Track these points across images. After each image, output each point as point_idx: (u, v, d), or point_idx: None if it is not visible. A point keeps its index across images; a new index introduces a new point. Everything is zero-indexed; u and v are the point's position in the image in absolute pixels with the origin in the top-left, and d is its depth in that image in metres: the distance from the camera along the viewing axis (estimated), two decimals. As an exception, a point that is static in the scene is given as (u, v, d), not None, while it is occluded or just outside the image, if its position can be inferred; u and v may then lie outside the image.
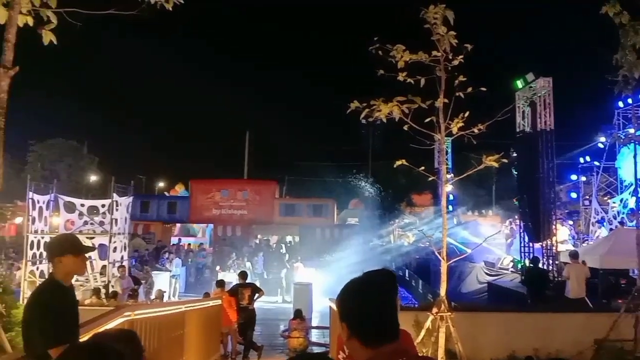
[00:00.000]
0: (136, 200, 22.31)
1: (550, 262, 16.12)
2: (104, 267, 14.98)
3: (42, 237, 14.25)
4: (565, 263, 14.04)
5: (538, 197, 16.45)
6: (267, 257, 26.90)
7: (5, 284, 7.70)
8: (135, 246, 24.79)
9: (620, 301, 10.86)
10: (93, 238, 14.53)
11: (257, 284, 14.26)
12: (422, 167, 7.74)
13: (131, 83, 75.63)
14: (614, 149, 23.68)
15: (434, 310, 7.15)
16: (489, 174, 40.90)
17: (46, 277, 4.36)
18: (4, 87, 5.63)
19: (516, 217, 22.35)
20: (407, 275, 24.69)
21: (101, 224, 15.39)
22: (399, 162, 7.47)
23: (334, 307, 8.71)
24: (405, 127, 7.08)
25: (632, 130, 15.39)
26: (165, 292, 15.92)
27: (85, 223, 15.64)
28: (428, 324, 7.25)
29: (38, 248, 14.11)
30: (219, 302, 10.96)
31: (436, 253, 7.34)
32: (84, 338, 3.59)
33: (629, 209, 19.86)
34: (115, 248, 15.44)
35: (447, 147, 9.30)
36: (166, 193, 46.01)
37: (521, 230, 18.06)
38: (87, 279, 14.57)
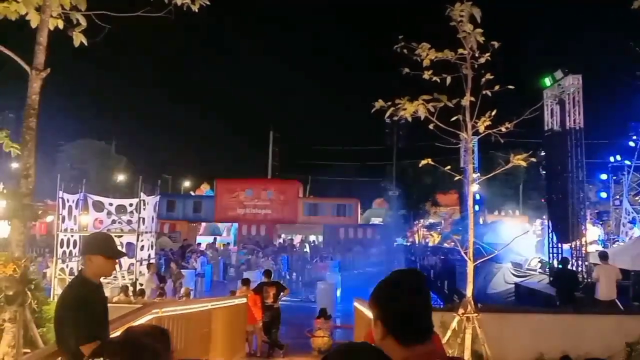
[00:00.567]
0: (162, 200, 22.62)
1: (580, 263, 15.81)
2: (131, 265, 15.22)
3: (72, 236, 14.55)
4: (594, 264, 13.76)
5: (567, 197, 16.15)
6: (292, 257, 26.96)
7: (37, 281, 7.88)
8: (161, 245, 25.12)
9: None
10: (121, 236, 14.76)
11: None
12: (448, 167, 7.66)
13: (157, 83, 76.66)
14: (645, 148, 23.11)
15: (460, 311, 7.07)
16: (516, 174, 40.33)
17: (75, 274, 4.44)
18: (36, 89, 5.77)
19: (544, 217, 21.99)
20: (432, 275, 24.50)
21: (129, 222, 15.61)
22: (424, 162, 7.40)
23: (359, 307, 8.69)
24: (431, 126, 7.01)
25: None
26: (192, 289, 16.11)
27: (114, 222, 15.89)
28: (454, 325, 7.17)
29: (68, 246, 14.41)
30: (244, 300, 11.03)
31: (462, 253, 7.26)
32: (113, 335, 3.65)
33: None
34: (142, 246, 15.67)
35: (473, 146, 9.19)
36: (192, 192, 46.55)
37: (550, 231, 17.75)
38: (115, 277, 14.81)
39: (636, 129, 24.17)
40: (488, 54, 6.91)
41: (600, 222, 26.56)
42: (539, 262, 19.54)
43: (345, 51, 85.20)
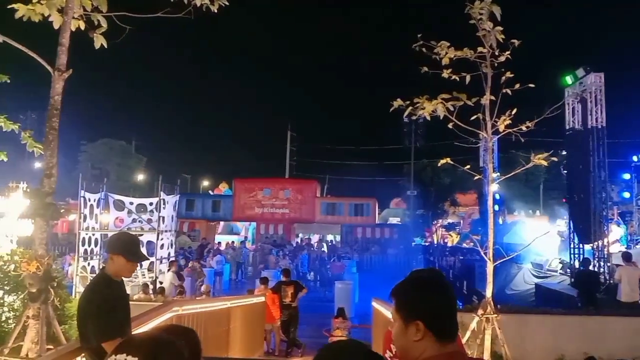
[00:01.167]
0: (182, 199, 22.81)
1: (602, 264, 15.55)
2: (151, 263, 15.37)
3: (93, 234, 14.76)
4: (617, 265, 13.53)
5: (589, 197, 15.89)
6: (310, 257, 26.99)
7: (59, 279, 8.01)
8: (180, 244, 25.35)
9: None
10: (141, 235, 14.91)
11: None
12: (468, 166, 7.59)
13: (176, 84, 77.40)
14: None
15: (480, 311, 7.00)
16: (536, 173, 39.84)
17: (97, 272, 4.49)
18: (58, 89, 5.85)
19: (565, 217, 21.67)
20: (450, 275, 24.32)
21: (149, 221, 15.78)
22: (443, 161, 7.35)
23: (378, 307, 8.65)
24: (450, 125, 6.95)
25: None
26: (211, 287, 16.23)
27: (134, 221, 16.07)
28: (473, 325, 7.11)
29: (89, 244, 14.62)
30: (262, 299, 11.07)
31: (482, 253, 7.19)
32: (135, 332, 3.69)
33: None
34: (162, 245, 15.84)
35: (493, 145, 9.09)
36: (210, 192, 46.88)
37: (571, 231, 17.50)
38: (135, 275, 14.99)
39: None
40: (508, 52, 6.83)
41: (623, 222, 26.09)
42: (560, 262, 19.27)
43: (365, 51, 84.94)
